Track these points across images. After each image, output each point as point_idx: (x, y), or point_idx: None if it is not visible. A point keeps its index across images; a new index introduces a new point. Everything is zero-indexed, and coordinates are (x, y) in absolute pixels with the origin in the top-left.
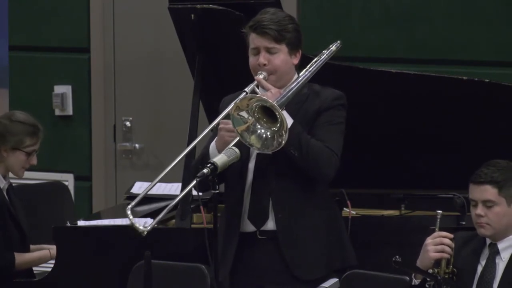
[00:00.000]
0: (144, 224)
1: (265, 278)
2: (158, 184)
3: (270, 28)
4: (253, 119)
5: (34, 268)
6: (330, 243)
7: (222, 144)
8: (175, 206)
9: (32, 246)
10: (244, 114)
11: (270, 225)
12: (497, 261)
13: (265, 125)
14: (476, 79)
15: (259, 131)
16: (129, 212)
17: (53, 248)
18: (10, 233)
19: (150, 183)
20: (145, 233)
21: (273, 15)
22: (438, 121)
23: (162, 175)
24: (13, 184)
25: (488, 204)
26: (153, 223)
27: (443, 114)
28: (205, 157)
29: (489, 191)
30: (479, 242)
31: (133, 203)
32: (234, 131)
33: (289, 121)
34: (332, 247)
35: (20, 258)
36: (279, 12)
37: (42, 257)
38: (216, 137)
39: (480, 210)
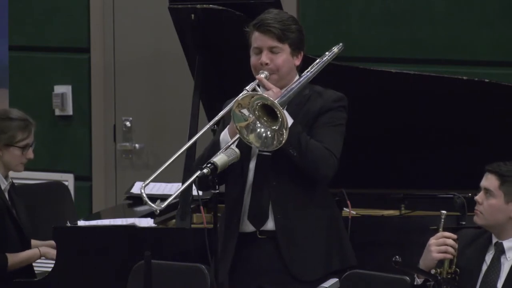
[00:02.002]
0: (157, 203)
1: (265, 278)
2: (158, 184)
3: (274, 26)
4: (253, 117)
5: (34, 268)
6: (330, 243)
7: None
8: (176, 205)
9: (34, 242)
10: (245, 111)
11: (270, 225)
12: (502, 260)
13: (265, 123)
14: (476, 79)
15: (259, 129)
16: (142, 190)
17: (47, 245)
18: (7, 235)
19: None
20: (158, 211)
21: (277, 15)
22: (438, 121)
23: (172, 159)
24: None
25: (487, 193)
26: (167, 202)
27: (443, 114)
28: (215, 145)
29: (491, 181)
30: (485, 240)
31: (148, 181)
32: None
33: (289, 121)
34: (331, 247)
35: (12, 258)
36: (283, 13)
37: (31, 256)
38: (228, 125)
39: (479, 196)
